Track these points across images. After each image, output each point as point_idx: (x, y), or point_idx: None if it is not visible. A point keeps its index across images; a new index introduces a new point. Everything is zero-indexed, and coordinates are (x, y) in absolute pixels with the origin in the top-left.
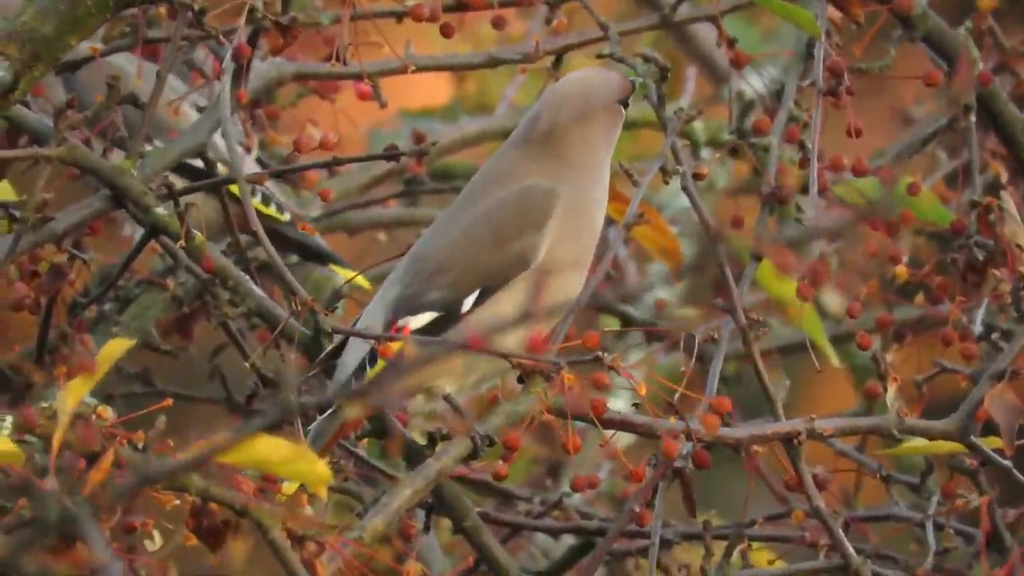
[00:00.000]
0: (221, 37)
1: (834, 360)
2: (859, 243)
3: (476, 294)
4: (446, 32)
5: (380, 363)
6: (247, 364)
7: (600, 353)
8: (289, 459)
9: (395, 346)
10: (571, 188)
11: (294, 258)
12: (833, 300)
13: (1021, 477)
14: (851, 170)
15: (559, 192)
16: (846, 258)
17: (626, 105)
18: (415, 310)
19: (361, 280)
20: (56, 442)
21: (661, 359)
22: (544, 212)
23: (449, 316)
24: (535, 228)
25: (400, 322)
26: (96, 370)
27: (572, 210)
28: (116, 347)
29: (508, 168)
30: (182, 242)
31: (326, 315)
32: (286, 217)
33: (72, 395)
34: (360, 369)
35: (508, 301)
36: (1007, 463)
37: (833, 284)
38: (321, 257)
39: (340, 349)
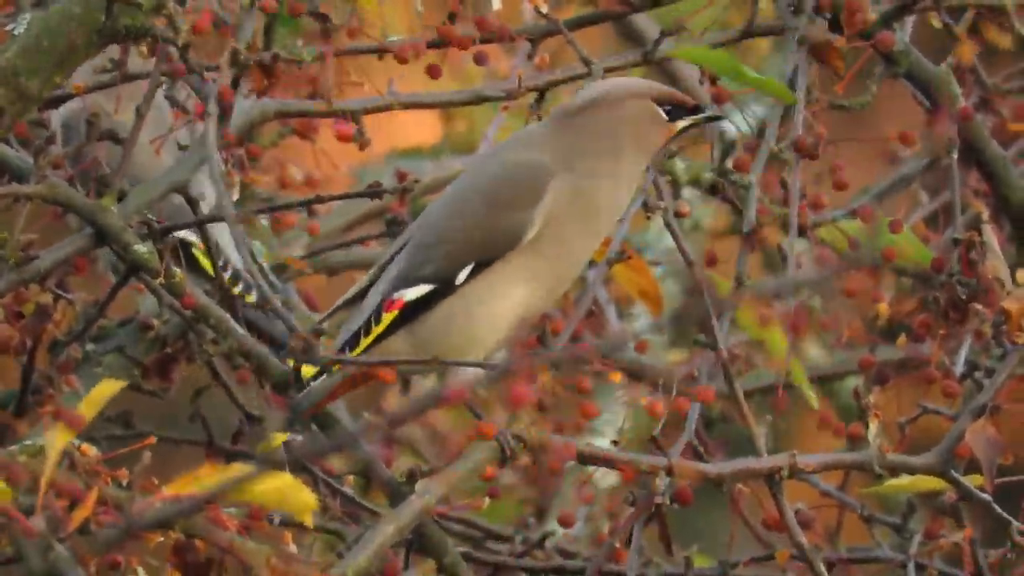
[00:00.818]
0: (205, 73)
1: (813, 403)
2: (840, 291)
3: (470, 268)
4: (433, 73)
5: (376, 329)
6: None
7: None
8: (273, 490)
9: (387, 317)
10: (575, 171)
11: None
12: (812, 349)
13: (1001, 512)
14: (811, 206)
15: (552, 170)
16: (827, 304)
17: (672, 114)
18: (411, 283)
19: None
20: (44, 483)
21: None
22: (536, 188)
23: (443, 289)
24: (527, 204)
25: (395, 295)
26: (83, 418)
27: (574, 193)
28: (106, 389)
29: (512, 145)
30: (161, 279)
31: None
32: (252, 298)
33: (60, 436)
34: (355, 336)
35: (500, 275)
36: (987, 497)
37: (814, 328)
38: (275, 344)
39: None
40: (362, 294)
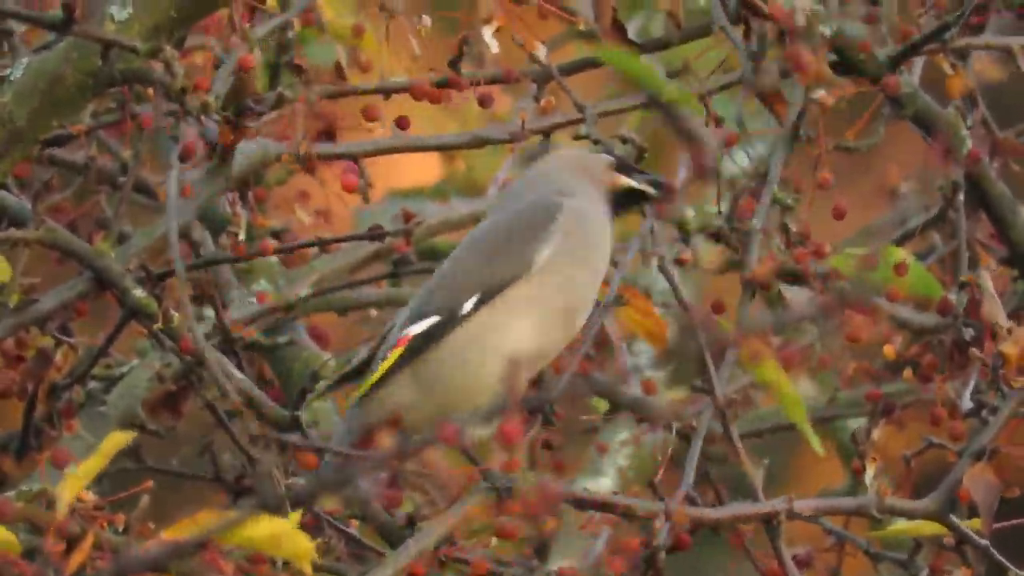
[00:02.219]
0: (203, 117)
1: (816, 445)
2: (839, 329)
3: (476, 298)
4: (402, 124)
5: (383, 365)
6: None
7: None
8: (273, 535)
9: (394, 353)
10: (576, 203)
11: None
12: (807, 387)
13: (999, 557)
14: (812, 254)
15: (563, 205)
16: (828, 343)
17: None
18: (420, 317)
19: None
20: (53, 530)
21: (648, 438)
22: (545, 221)
23: (449, 320)
24: (535, 235)
25: (403, 332)
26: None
27: (578, 223)
28: (116, 440)
29: (520, 189)
30: (159, 324)
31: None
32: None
33: (71, 485)
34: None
35: (506, 305)
36: (984, 543)
37: (814, 367)
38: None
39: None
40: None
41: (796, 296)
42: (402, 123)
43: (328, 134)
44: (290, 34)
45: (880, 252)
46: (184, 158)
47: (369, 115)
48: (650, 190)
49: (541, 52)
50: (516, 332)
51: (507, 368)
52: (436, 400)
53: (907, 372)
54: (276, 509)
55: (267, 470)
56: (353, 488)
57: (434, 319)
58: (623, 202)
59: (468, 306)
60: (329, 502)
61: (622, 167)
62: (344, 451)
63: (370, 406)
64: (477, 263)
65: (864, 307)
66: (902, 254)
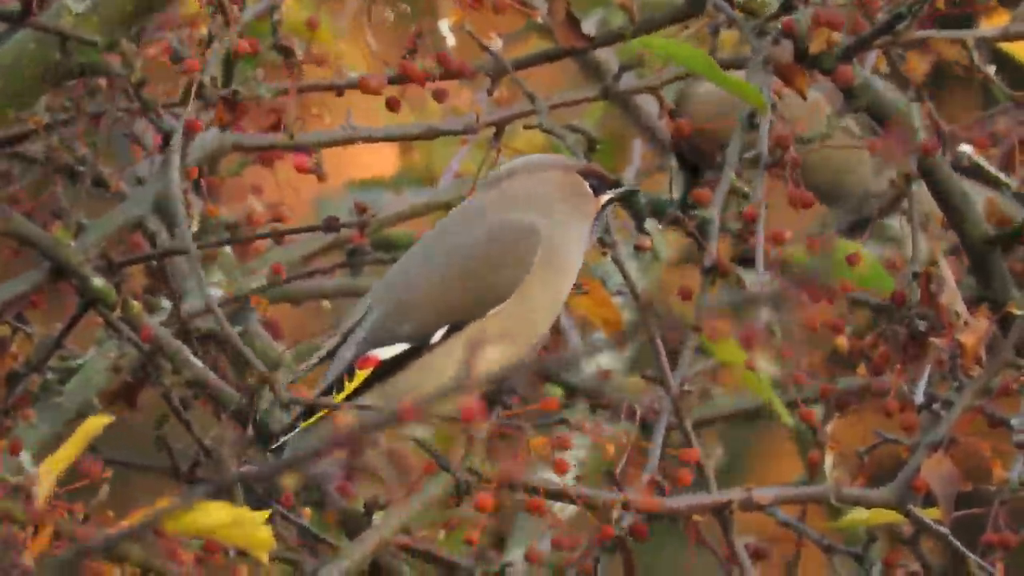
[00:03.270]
0: (160, 109)
1: (786, 418)
2: (796, 311)
3: (445, 328)
4: (392, 105)
5: (349, 386)
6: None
7: (564, 416)
8: (230, 524)
9: (361, 375)
10: (550, 228)
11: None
12: (767, 366)
13: (958, 544)
14: (771, 240)
15: (539, 229)
16: (786, 328)
17: (596, 189)
18: (386, 341)
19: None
20: (33, 517)
21: (606, 428)
22: (526, 249)
23: (418, 348)
24: (516, 264)
25: (370, 353)
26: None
27: (554, 251)
28: (91, 425)
29: (486, 206)
30: (119, 312)
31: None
32: None
33: (47, 476)
34: (327, 392)
35: (476, 336)
36: (944, 530)
37: (773, 353)
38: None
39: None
40: (330, 355)
41: (752, 279)
42: (393, 104)
43: (277, 127)
44: (276, 16)
45: (831, 245)
46: (188, 132)
47: (366, 88)
48: (619, 198)
49: (495, 45)
50: (484, 359)
51: (466, 351)
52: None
53: (860, 368)
54: (227, 494)
55: (222, 456)
56: (313, 467)
57: (404, 346)
58: (598, 219)
59: (438, 335)
60: (289, 481)
61: (598, 185)
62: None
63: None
64: (445, 292)
65: (819, 290)
66: (853, 246)
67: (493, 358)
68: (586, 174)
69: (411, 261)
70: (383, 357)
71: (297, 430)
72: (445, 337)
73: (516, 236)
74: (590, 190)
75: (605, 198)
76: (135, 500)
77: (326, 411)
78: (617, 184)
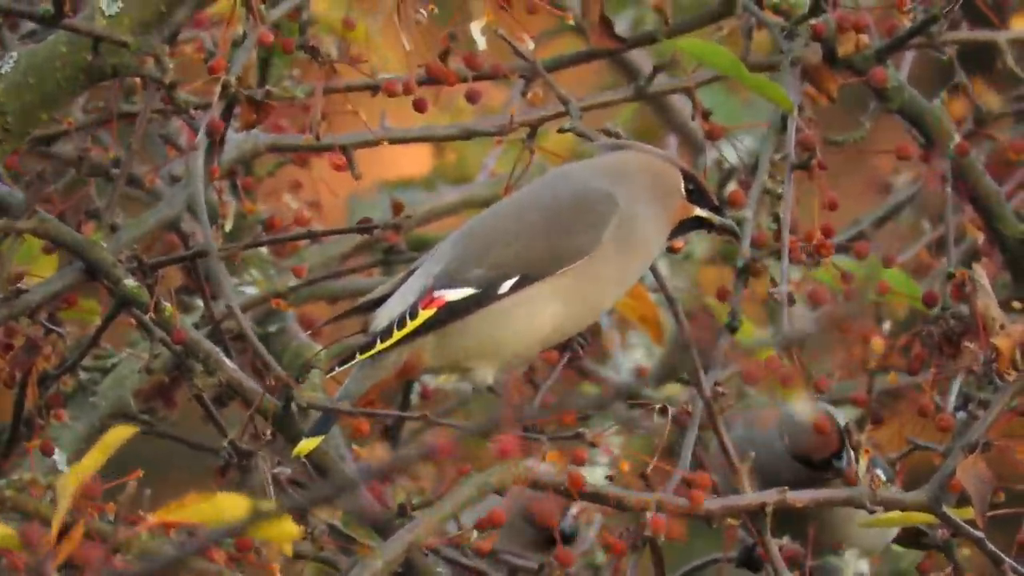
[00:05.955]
0: (192, 111)
1: None
2: (834, 339)
3: (515, 280)
4: (419, 107)
5: (412, 323)
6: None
7: (581, 430)
8: (256, 518)
9: (426, 312)
10: (630, 204)
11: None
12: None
13: (992, 548)
14: (821, 232)
15: (617, 200)
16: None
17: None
18: (455, 284)
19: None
20: (56, 524)
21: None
22: (603, 215)
23: (485, 296)
24: (591, 229)
25: (436, 293)
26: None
27: (628, 228)
28: (118, 434)
29: (572, 172)
30: (151, 314)
31: (298, 387)
32: None
33: (73, 478)
34: (389, 328)
35: (543, 292)
36: (979, 534)
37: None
38: None
39: (378, 302)
40: (378, 302)
41: (798, 315)
42: (420, 106)
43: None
44: (304, 15)
45: (864, 265)
46: (211, 133)
47: (391, 91)
48: (717, 225)
49: (527, 47)
50: (546, 317)
51: (501, 378)
52: (454, 363)
53: (892, 376)
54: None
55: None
56: (347, 500)
57: (471, 291)
58: (685, 229)
59: (507, 286)
60: (324, 512)
61: (696, 194)
62: (349, 410)
63: (387, 359)
64: (527, 241)
65: (860, 326)
66: (884, 271)
67: (558, 313)
68: (687, 177)
69: (492, 214)
70: (449, 299)
71: (358, 359)
72: (513, 288)
73: (594, 200)
74: (684, 191)
75: (700, 212)
76: (164, 497)
77: (338, 411)
78: (718, 209)
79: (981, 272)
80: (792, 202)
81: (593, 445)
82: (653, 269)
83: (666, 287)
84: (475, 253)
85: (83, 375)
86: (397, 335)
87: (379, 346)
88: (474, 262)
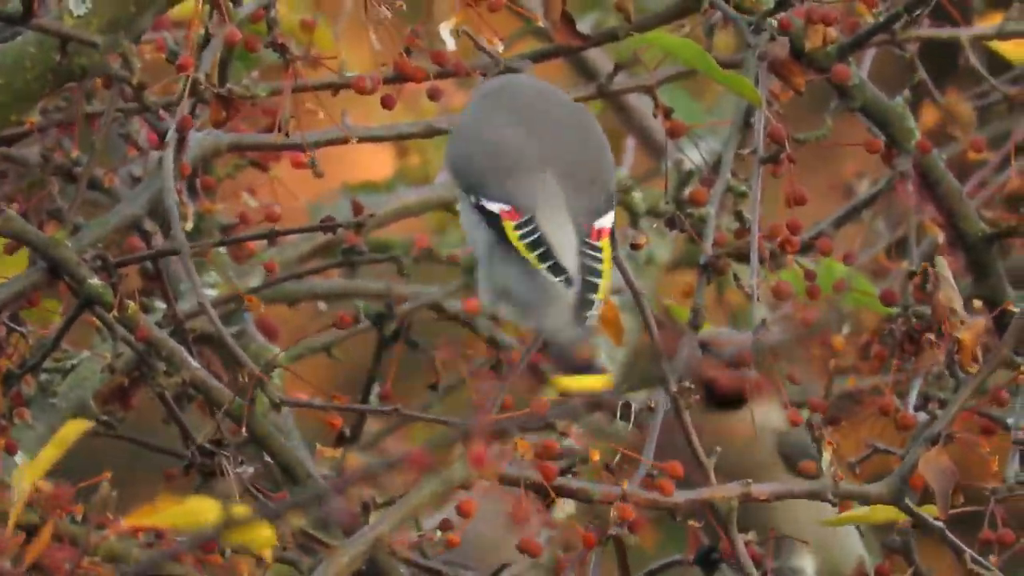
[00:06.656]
0: (161, 111)
1: None
2: (802, 354)
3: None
4: (387, 104)
5: (606, 250)
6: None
7: (552, 420)
8: (230, 524)
9: (604, 244)
10: None
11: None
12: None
13: (955, 539)
14: (787, 228)
15: None
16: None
17: None
18: (598, 214)
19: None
20: (12, 521)
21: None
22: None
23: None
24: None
25: (596, 225)
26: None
27: None
28: (74, 428)
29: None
30: (115, 312)
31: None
32: None
33: (28, 474)
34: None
35: None
36: (940, 525)
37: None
38: None
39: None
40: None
41: (768, 328)
42: (388, 102)
43: (273, 128)
44: (272, 13)
45: (821, 266)
46: (181, 129)
47: (360, 88)
48: None
49: (495, 47)
50: None
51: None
52: None
53: (851, 379)
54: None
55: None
56: (322, 509)
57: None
58: None
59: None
60: (297, 521)
61: None
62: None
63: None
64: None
65: (831, 337)
66: (842, 269)
67: None
68: None
69: (552, 135)
70: (606, 226)
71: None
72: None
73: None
74: None
75: None
76: (132, 498)
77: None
78: None
79: (943, 264)
80: (759, 197)
81: (564, 435)
82: (622, 269)
83: (634, 286)
84: (589, 180)
85: (42, 376)
86: (605, 269)
87: (600, 289)
88: (599, 189)
